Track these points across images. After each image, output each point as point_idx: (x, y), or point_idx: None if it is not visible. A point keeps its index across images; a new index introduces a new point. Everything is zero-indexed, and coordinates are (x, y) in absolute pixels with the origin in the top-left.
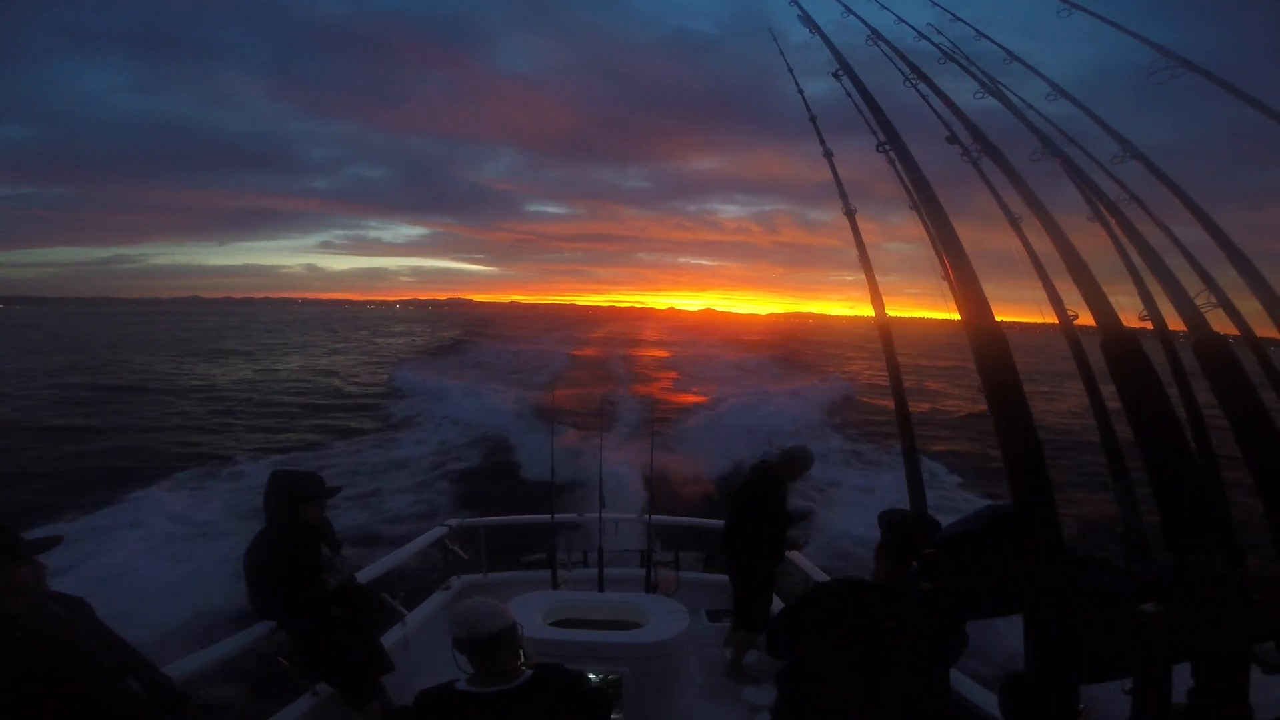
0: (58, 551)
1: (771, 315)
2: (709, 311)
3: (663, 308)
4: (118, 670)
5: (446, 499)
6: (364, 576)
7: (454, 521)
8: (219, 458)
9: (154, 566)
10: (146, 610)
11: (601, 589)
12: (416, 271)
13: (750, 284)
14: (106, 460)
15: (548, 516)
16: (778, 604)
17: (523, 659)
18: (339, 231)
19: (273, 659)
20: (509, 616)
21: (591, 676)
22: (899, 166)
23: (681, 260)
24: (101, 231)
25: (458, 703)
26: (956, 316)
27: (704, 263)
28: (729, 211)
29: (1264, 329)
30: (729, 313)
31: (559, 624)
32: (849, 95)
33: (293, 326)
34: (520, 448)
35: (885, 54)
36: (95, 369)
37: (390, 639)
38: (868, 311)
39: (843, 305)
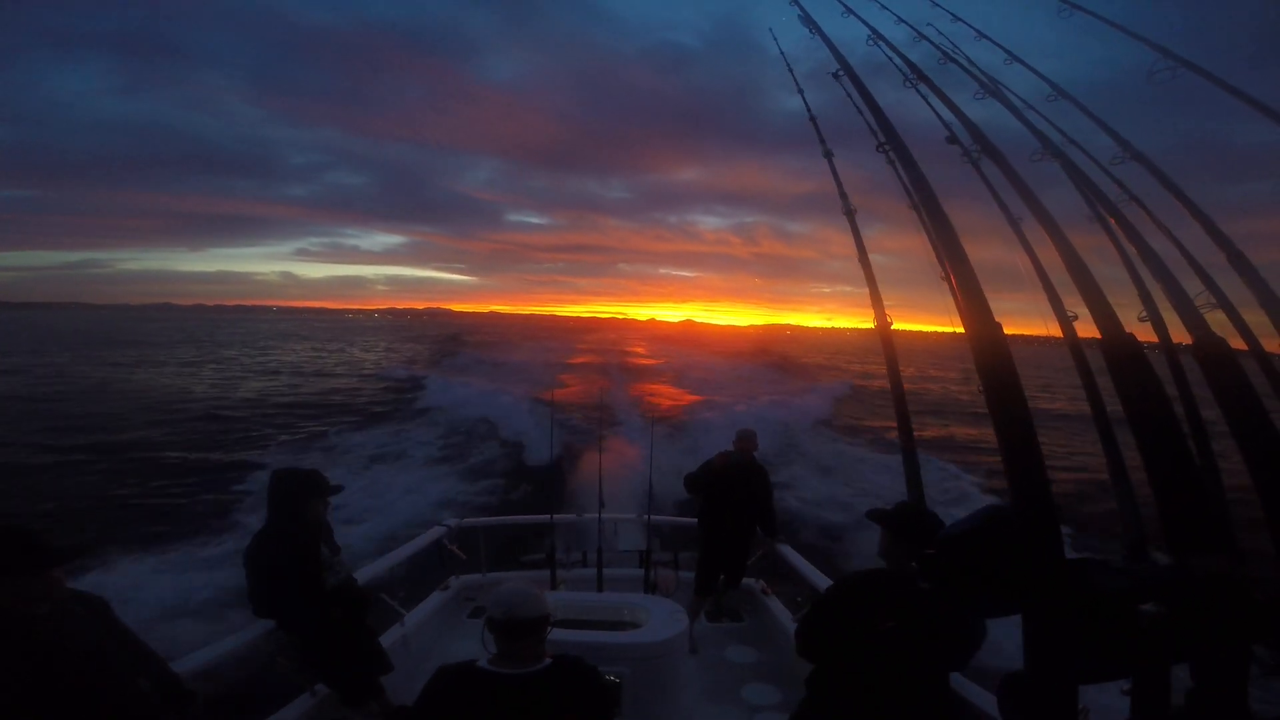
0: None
1: (752, 327)
2: (689, 323)
3: (643, 319)
4: (132, 670)
5: (446, 499)
6: (363, 576)
7: (453, 522)
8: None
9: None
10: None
11: (600, 589)
12: (394, 280)
13: (730, 295)
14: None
15: (547, 517)
16: (767, 603)
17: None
18: (316, 239)
19: (272, 658)
20: (546, 606)
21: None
22: (898, 166)
23: (662, 271)
24: (72, 235)
25: (479, 680)
26: (949, 328)
27: (684, 274)
28: (709, 223)
29: (1264, 332)
30: (709, 324)
31: (558, 624)
32: (849, 96)
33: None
34: (519, 448)
35: (885, 54)
36: None
37: (389, 639)
38: (844, 323)
39: (820, 317)
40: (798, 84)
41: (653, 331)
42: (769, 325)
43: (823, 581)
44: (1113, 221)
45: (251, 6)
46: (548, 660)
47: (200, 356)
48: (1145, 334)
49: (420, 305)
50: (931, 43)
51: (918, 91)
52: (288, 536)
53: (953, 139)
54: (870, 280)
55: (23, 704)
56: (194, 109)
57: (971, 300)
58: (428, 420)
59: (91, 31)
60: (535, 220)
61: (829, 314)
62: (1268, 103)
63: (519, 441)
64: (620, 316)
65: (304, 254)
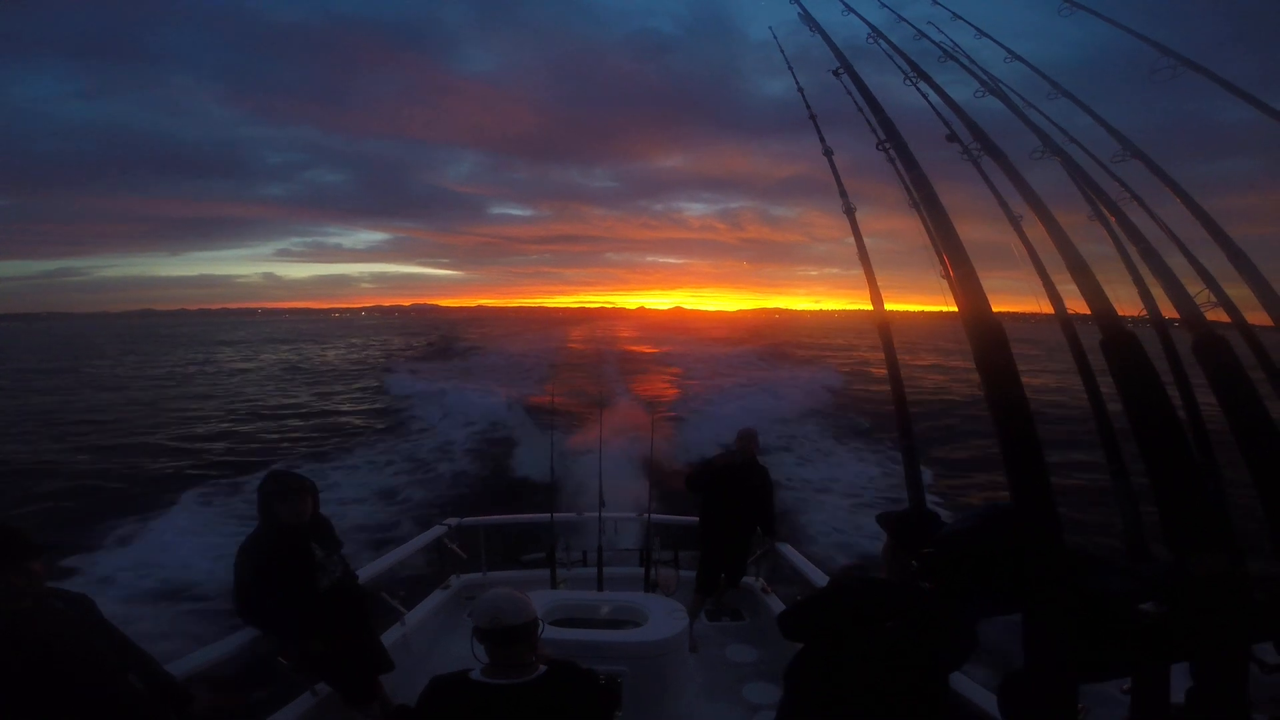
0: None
1: (741, 311)
2: (679, 309)
3: (633, 307)
4: (121, 666)
5: (446, 498)
6: (364, 576)
7: (453, 521)
8: None
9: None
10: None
11: (601, 588)
12: (379, 277)
13: (717, 281)
14: None
15: (547, 516)
16: (764, 597)
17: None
18: (297, 239)
19: (273, 658)
20: (531, 611)
21: None
22: (899, 165)
23: (649, 259)
24: (46, 244)
25: (472, 691)
26: (938, 307)
27: (671, 261)
28: (695, 209)
29: (1258, 320)
30: (699, 310)
31: (558, 623)
32: (849, 94)
33: None
34: (519, 447)
35: (885, 52)
36: None
37: (390, 638)
38: (832, 305)
39: (809, 300)
40: (798, 83)
41: (643, 320)
42: (758, 309)
43: (822, 580)
44: (1113, 220)
45: (216, 6)
46: (542, 668)
47: (253, 355)
48: (1147, 333)
49: (407, 302)
50: (931, 40)
51: (918, 89)
52: (261, 538)
53: (953, 136)
54: (870, 278)
55: (14, 701)
56: (164, 111)
57: (974, 300)
58: (424, 419)
59: (50, 36)
60: (519, 212)
61: (817, 296)
62: (1251, 86)
63: (518, 439)
64: (609, 306)
65: (286, 254)
